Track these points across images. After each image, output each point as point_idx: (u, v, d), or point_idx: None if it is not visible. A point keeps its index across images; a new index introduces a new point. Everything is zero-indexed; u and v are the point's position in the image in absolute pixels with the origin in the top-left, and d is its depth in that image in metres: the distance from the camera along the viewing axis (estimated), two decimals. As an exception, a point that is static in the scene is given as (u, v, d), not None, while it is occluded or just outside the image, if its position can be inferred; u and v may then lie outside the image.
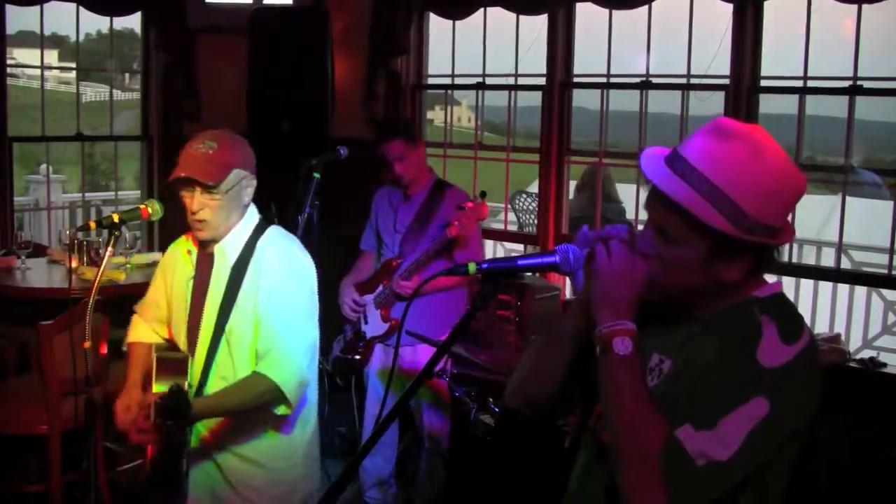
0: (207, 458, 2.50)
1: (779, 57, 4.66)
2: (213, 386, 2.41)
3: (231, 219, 2.41)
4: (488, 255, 6.70)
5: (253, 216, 2.49)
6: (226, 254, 2.44)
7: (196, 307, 2.45)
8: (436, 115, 11.41)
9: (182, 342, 2.49)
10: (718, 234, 1.39)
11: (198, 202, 2.34)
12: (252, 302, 2.38)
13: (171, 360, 2.39)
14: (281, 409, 2.38)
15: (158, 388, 2.28)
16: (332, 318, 4.06)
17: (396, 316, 3.81)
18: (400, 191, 3.92)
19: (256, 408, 2.37)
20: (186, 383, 2.30)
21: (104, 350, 3.42)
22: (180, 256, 2.54)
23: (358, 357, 3.90)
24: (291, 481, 2.55)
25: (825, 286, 5.00)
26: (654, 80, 4.59)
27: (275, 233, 2.50)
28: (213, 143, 2.36)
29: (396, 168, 3.77)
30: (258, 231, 2.47)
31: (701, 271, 1.44)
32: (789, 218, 1.49)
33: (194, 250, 2.50)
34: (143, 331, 2.68)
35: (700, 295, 1.49)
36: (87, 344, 2.25)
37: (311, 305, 2.49)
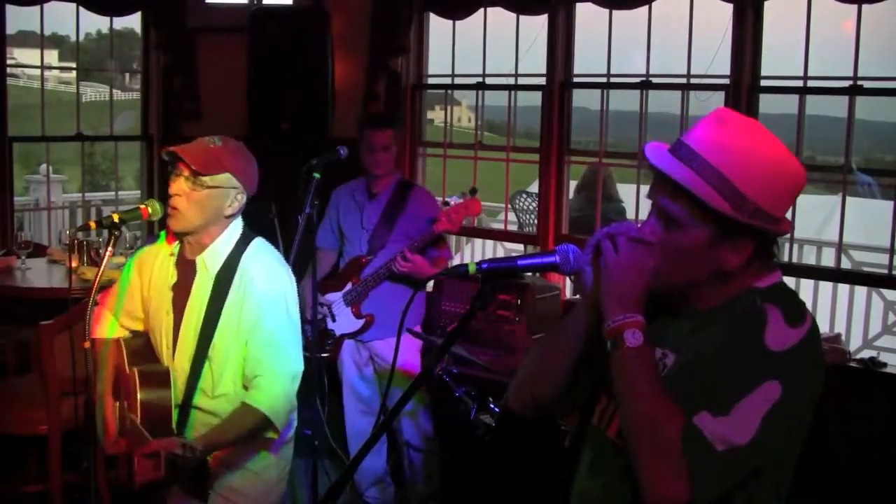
0: None
1: (779, 57, 4.66)
2: (198, 400, 2.41)
3: (207, 222, 2.37)
4: (488, 255, 6.70)
5: (237, 229, 2.45)
6: (207, 265, 2.41)
7: (176, 316, 2.44)
8: (436, 115, 11.44)
9: (162, 349, 2.47)
10: (720, 218, 1.41)
11: (177, 187, 2.32)
12: (236, 319, 2.37)
13: (154, 372, 2.39)
14: (268, 434, 2.40)
15: (143, 397, 2.29)
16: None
17: (367, 311, 3.84)
18: (363, 189, 3.95)
19: (250, 440, 2.39)
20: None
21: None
22: (160, 259, 2.51)
23: (326, 355, 3.91)
24: (269, 481, 2.55)
25: (825, 286, 5.00)
26: (654, 80, 4.58)
27: (258, 247, 2.46)
28: (219, 142, 2.37)
29: (378, 157, 3.80)
30: (242, 244, 2.43)
31: (702, 258, 1.45)
32: (788, 214, 1.49)
33: (176, 255, 2.47)
34: (109, 325, 2.63)
35: (701, 285, 1.49)
36: (87, 344, 2.25)
37: (297, 327, 2.48)
